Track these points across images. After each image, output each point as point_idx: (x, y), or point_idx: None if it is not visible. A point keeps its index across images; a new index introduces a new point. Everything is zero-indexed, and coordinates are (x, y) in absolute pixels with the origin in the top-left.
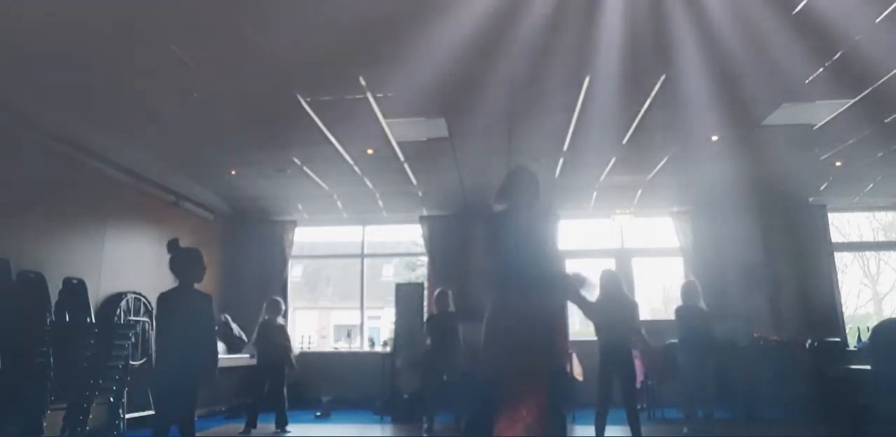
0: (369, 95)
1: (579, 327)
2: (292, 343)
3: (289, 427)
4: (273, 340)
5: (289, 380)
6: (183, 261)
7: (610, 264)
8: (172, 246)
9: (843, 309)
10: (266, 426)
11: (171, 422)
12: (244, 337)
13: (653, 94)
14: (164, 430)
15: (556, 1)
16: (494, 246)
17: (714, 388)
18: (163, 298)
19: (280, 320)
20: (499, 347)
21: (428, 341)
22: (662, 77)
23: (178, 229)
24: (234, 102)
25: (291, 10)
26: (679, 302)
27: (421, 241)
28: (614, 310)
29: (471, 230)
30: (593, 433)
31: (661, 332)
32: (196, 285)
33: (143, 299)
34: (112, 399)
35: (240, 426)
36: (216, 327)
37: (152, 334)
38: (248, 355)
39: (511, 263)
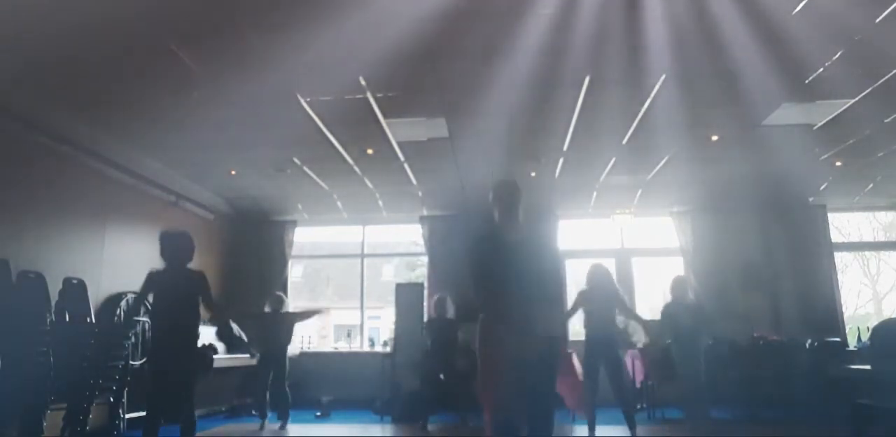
0: (369, 95)
1: (579, 327)
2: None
3: (278, 426)
4: (275, 333)
5: (289, 379)
6: (169, 245)
7: (610, 264)
8: (163, 235)
9: (843, 309)
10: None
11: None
12: (244, 337)
13: (653, 94)
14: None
15: (556, 1)
16: (484, 263)
17: (711, 387)
18: (150, 276)
19: (285, 309)
20: (499, 357)
21: (428, 342)
22: (662, 77)
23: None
24: (234, 102)
25: (291, 11)
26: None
27: (421, 241)
28: (600, 302)
29: (471, 230)
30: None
31: (662, 332)
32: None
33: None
34: (112, 399)
35: (240, 426)
36: (214, 327)
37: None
38: (247, 356)
39: (503, 277)
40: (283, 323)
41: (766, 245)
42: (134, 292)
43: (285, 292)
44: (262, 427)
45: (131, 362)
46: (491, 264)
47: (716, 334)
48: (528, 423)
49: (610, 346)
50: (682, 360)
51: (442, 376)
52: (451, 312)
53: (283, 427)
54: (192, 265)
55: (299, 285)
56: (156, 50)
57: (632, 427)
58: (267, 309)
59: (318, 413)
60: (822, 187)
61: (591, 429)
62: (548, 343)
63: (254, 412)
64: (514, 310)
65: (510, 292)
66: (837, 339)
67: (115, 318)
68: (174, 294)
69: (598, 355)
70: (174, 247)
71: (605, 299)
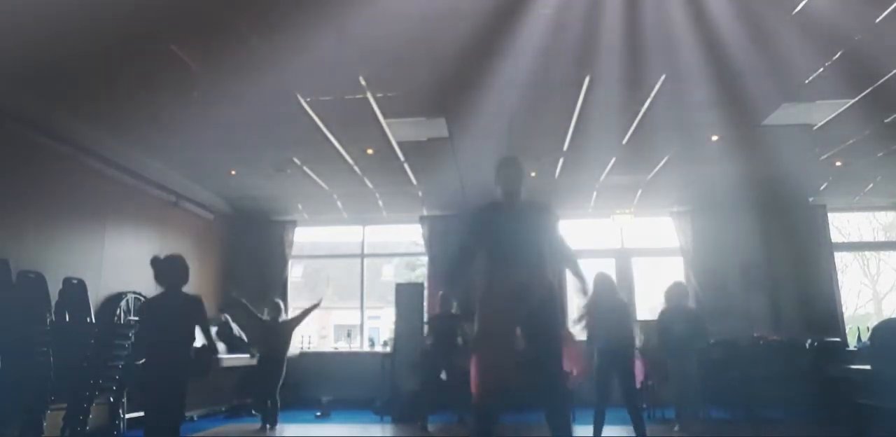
0: (369, 95)
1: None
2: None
3: (277, 427)
4: (273, 341)
5: (288, 380)
6: (163, 270)
7: (610, 264)
8: (154, 261)
9: (843, 309)
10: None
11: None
12: (244, 337)
13: (653, 94)
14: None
15: (556, 1)
16: (485, 235)
17: (706, 388)
18: (146, 304)
19: (283, 317)
20: (495, 323)
21: (429, 341)
22: (662, 77)
23: (178, 229)
24: (234, 102)
25: (291, 11)
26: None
27: (421, 241)
28: (608, 313)
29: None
30: (591, 433)
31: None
32: (185, 288)
33: (142, 300)
34: (112, 399)
35: (240, 427)
36: (214, 328)
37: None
38: (247, 356)
39: (502, 250)
40: (282, 333)
41: (766, 245)
42: (134, 292)
43: (285, 292)
44: (261, 428)
45: None
46: (491, 233)
47: (715, 337)
48: (542, 402)
49: (623, 356)
50: (674, 366)
51: (443, 373)
52: (455, 308)
53: (272, 429)
54: (192, 268)
55: (299, 285)
56: (156, 50)
57: (640, 428)
58: (266, 317)
59: (318, 413)
60: (822, 187)
61: (598, 429)
62: (547, 313)
63: (254, 413)
64: (513, 278)
65: (510, 260)
66: (837, 339)
67: (115, 318)
68: (169, 320)
69: (609, 365)
70: (168, 271)
71: (612, 310)
